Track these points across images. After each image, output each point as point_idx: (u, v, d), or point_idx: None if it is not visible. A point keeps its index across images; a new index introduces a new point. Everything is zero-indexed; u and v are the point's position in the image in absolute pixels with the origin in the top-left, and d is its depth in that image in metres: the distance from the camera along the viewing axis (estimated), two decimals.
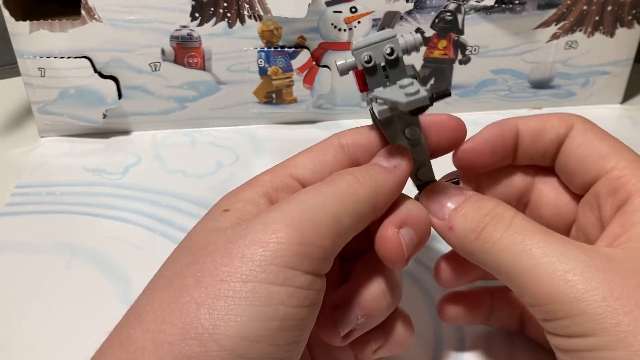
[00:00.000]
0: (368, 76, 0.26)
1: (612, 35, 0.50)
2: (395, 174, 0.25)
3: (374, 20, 0.48)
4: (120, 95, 0.49)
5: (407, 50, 0.26)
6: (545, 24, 0.49)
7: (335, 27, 0.48)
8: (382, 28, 0.48)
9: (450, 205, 0.26)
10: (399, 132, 0.27)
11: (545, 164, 0.28)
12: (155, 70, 0.49)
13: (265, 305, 0.20)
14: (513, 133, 0.28)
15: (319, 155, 0.26)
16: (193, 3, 0.46)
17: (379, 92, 0.25)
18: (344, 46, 0.49)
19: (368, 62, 0.25)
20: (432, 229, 0.26)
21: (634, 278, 0.21)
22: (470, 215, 0.25)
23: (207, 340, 0.20)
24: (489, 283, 0.31)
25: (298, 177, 0.26)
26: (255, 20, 0.47)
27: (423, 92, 0.22)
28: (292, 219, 0.22)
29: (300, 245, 0.21)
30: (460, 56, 0.50)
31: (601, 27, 0.49)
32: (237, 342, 0.20)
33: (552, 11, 0.48)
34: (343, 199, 0.23)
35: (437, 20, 0.48)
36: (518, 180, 0.29)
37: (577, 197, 0.28)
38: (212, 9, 0.46)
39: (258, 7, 0.46)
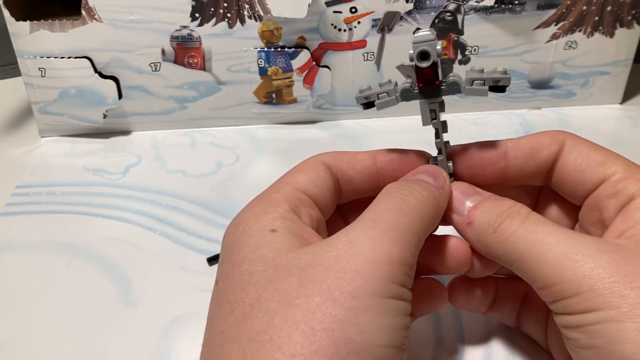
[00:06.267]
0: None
1: (611, 35, 0.50)
2: (445, 194, 0.27)
3: (374, 20, 0.48)
4: (120, 96, 0.49)
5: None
6: (545, 24, 0.49)
7: (335, 27, 0.48)
8: (381, 28, 0.48)
9: (469, 203, 0.28)
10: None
11: (536, 183, 0.30)
12: (156, 71, 0.49)
13: (398, 316, 0.23)
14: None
15: (312, 171, 0.28)
16: (193, 3, 0.46)
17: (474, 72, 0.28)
18: (344, 46, 0.49)
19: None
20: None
21: None
22: (489, 212, 0.26)
23: (364, 353, 0.21)
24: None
25: (304, 191, 0.27)
26: (255, 20, 0.47)
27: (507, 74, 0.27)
28: (397, 241, 0.23)
29: (403, 265, 0.23)
30: (460, 56, 0.50)
31: (601, 28, 0.50)
32: (385, 351, 0.22)
33: (551, 11, 0.48)
34: (421, 218, 0.25)
35: (436, 21, 0.48)
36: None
37: (574, 208, 0.29)
38: (212, 9, 0.47)
39: (258, 8, 0.46)
